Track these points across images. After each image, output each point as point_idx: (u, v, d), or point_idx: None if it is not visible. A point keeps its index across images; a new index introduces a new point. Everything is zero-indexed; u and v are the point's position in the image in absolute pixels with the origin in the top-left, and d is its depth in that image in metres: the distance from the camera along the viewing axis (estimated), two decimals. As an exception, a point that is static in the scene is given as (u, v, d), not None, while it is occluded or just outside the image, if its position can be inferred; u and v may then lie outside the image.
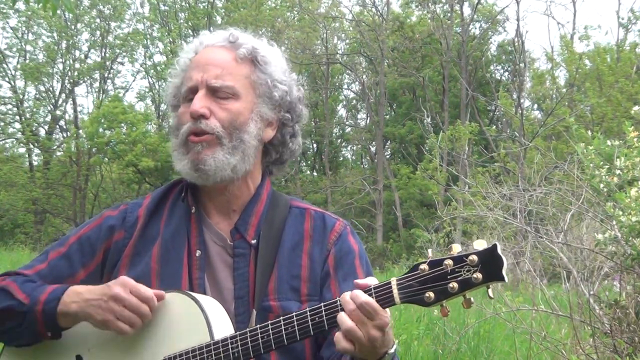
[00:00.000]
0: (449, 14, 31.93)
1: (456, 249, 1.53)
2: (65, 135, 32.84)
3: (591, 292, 4.79)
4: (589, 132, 5.69)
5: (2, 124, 30.98)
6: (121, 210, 1.90)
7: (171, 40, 31.52)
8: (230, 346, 1.63)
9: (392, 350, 1.60)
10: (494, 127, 32.09)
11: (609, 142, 4.95)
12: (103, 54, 31.99)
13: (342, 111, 39.27)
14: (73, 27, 31.12)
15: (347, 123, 38.85)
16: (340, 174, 34.45)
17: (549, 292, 5.59)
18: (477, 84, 32.53)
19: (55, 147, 32.41)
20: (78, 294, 1.72)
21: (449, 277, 1.51)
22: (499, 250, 1.50)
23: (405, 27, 31.46)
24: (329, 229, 1.86)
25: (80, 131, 30.21)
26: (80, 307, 1.71)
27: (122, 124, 28.58)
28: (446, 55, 30.88)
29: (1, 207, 29.28)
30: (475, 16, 32.09)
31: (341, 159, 39.35)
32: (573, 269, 5.23)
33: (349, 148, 39.86)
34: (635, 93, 24.94)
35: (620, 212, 4.30)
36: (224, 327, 1.69)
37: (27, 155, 32.48)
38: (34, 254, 16.40)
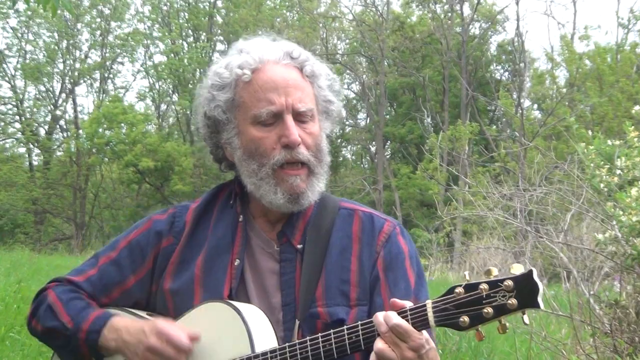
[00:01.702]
0: (449, 14, 31.93)
1: (494, 272, 1.51)
2: (65, 135, 32.84)
3: (591, 292, 4.78)
4: (589, 132, 5.68)
5: (2, 124, 30.99)
6: (169, 214, 1.89)
7: (172, 40, 31.51)
8: None
9: None
10: (494, 127, 32.09)
11: (609, 142, 4.95)
12: (103, 54, 31.98)
13: (342, 111, 39.20)
14: (73, 27, 31.11)
15: (347, 123, 38.85)
16: (340, 174, 34.44)
17: (549, 292, 5.58)
18: (477, 84, 32.52)
19: (55, 147, 32.41)
20: (117, 331, 1.73)
21: (484, 301, 1.49)
22: (535, 277, 1.47)
23: (406, 27, 31.46)
24: (378, 230, 1.82)
25: (80, 131, 30.20)
26: (118, 347, 1.73)
27: (122, 124, 28.57)
28: (446, 55, 30.88)
29: (1, 207, 29.27)
30: (475, 16, 32.09)
31: (341, 159, 39.33)
32: (573, 269, 5.22)
33: (348, 148, 39.87)
34: (635, 93, 24.94)
35: (621, 212, 4.30)
36: (266, 338, 1.67)
37: (27, 155, 32.50)
38: (34, 254, 16.37)
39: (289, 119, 1.72)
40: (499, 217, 6.67)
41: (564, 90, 27.63)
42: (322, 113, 1.82)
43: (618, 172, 4.68)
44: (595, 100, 24.80)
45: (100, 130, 28.48)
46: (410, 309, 1.54)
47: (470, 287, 1.51)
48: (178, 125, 34.92)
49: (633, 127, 4.78)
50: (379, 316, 1.53)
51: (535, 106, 31.96)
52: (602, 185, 4.68)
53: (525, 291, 1.47)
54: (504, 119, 32.24)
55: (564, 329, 5.64)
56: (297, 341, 1.62)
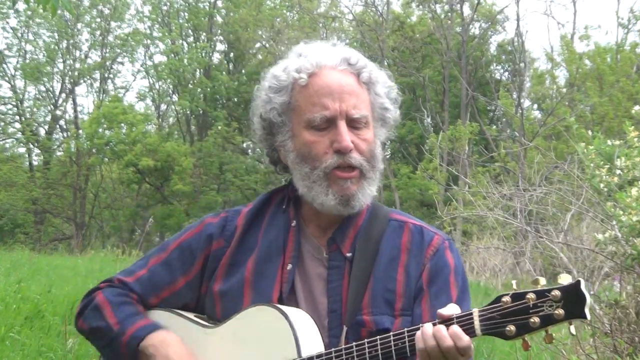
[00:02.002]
0: (449, 14, 31.93)
1: (541, 281, 1.51)
2: (65, 135, 32.82)
3: (591, 292, 4.78)
4: (589, 132, 5.68)
5: (2, 124, 30.96)
6: (221, 218, 1.91)
7: (172, 40, 31.51)
8: None
9: None
10: (494, 127, 32.08)
11: (609, 142, 4.95)
12: (103, 54, 31.98)
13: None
14: (73, 27, 31.10)
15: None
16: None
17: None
18: (477, 84, 32.51)
19: (55, 147, 32.40)
20: (162, 342, 1.77)
21: (531, 311, 1.49)
22: (583, 287, 1.47)
23: (406, 27, 31.46)
24: (427, 243, 1.83)
25: (80, 131, 30.19)
26: (156, 354, 1.75)
27: (122, 124, 28.57)
28: (446, 55, 30.87)
29: (1, 207, 29.26)
30: (475, 16, 32.08)
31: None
32: (573, 269, 5.22)
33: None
34: (635, 93, 24.93)
35: (621, 212, 4.30)
36: (313, 343, 1.68)
37: (27, 155, 32.47)
38: (34, 254, 16.37)
39: (342, 125, 1.74)
40: (499, 217, 6.67)
41: (564, 90, 27.62)
42: (378, 120, 1.83)
43: (618, 172, 4.68)
44: (595, 100, 24.79)
45: (100, 130, 28.46)
46: (457, 317, 1.54)
47: (518, 297, 1.51)
48: (178, 125, 34.91)
49: (633, 127, 4.78)
50: (429, 329, 1.55)
51: (535, 106, 31.98)
52: (602, 185, 4.68)
53: (572, 301, 1.47)
54: (504, 119, 32.25)
55: (564, 329, 5.64)
56: (343, 347, 1.64)
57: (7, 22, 30.50)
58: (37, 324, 6.15)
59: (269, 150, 1.88)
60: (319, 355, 1.64)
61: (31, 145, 31.41)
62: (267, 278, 1.79)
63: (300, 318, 1.70)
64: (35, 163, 32.29)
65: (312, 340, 1.68)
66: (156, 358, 1.74)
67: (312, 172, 1.75)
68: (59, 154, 32.55)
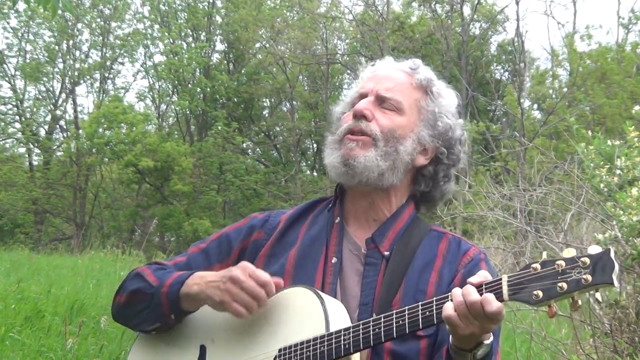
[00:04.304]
0: (449, 14, 31.93)
1: (570, 252, 1.54)
2: (65, 135, 32.82)
3: (591, 292, 4.78)
4: (589, 132, 5.68)
5: (2, 124, 30.93)
6: (267, 214, 2.01)
7: (171, 40, 31.50)
8: (342, 337, 1.66)
9: (487, 341, 1.61)
10: (494, 127, 32.09)
11: (609, 142, 4.95)
12: (103, 54, 31.97)
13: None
14: (73, 27, 31.09)
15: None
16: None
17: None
18: (477, 84, 32.51)
19: (55, 147, 32.39)
20: (201, 277, 1.80)
21: (559, 277, 1.51)
22: (612, 255, 1.49)
23: (406, 27, 31.45)
24: (463, 252, 1.88)
25: (80, 131, 30.18)
26: (200, 289, 1.78)
27: (122, 124, 28.55)
28: (446, 55, 30.87)
29: (1, 207, 29.25)
30: (475, 16, 32.08)
31: (341, 158, 39.33)
32: (573, 269, 5.21)
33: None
34: (637, 93, 24.94)
35: (621, 212, 4.30)
36: (342, 323, 1.72)
37: (27, 155, 32.43)
38: (33, 254, 16.35)
39: (368, 98, 1.87)
40: (499, 217, 6.68)
41: (565, 89, 27.61)
42: (424, 121, 1.88)
43: (618, 172, 4.68)
44: (603, 100, 24.74)
45: (100, 130, 28.45)
46: (486, 284, 1.57)
47: (547, 263, 1.54)
48: (178, 125, 34.90)
49: (633, 127, 4.78)
50: (457, 290, 1.57)
51: (535, 106, 31.97)
52: (602, 185, 4.68)
53: (601, 268, 1.48)
54: (504, 119, 32.24)
55: (564, 329, 5.65)
56: (371, 318, 1.67)
57: (8, 22, 30.51)
58: (37, 324, 6.15)
59: None
60: (346, 329, 1.67)
61: (31, 145, 31.39)
62: (307, 271, 1.84)
63: (332, 301, 1.75)
64: (35, 163, 32.28)
65: (342, 320, 1.72)
66: (203, 291, 1.77)
67: (332, 138, 1.89)
68: (59, 154, 32.53)
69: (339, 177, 1.85)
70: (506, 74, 35.60)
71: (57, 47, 31.02)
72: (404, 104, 1.85)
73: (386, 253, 1.84)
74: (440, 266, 1.85)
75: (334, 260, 1.85)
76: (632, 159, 4.65)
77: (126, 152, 27.76)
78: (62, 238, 31.00)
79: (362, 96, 1.88)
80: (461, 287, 1.77)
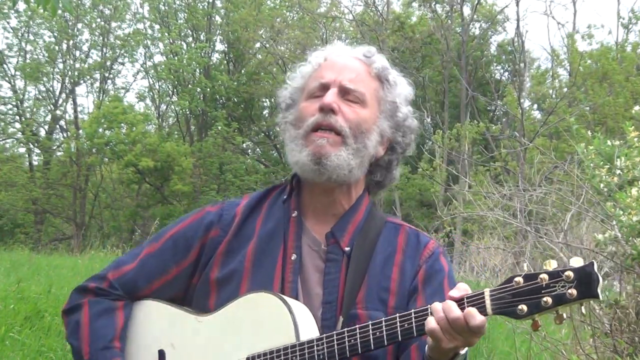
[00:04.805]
0: (449, 14, 31.93)
1: (552, 264, 1.52)
2: (65, 135, 32.82)
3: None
4: (589, 132, 5.68)
5: (2, 124, 30.94)
6: (219, 207, 1.92)
7: (171, 40, 31.50)
8: (315, 348, 1.64)
9: (463, 352, 1.60)
10: (494, 127, 32.09)
11: (609, 142, 4.95)
12: (103, 54, 31.97)
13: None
14: (73, 27, 31.09)
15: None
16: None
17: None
18: (477, 84, 32.51)
19: (55, 147, 32.38)
20: None
21: (543, 291, 1.50)
22: (596, 268, 1.49)
23: (406, 27, 31.45)
24: (423, 245, 1.87)
25: (80, 131, 30.18)
26: None
27: (122, 124, 28.56)
28: (446, 55, 30.87)
29: (1, 207, 29.25)
30: (475, 16, 32.08)
31: (341, 159, 39.32)
32: (573, 269, 5.21)
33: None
34: (638, 92, 24.96)
35: (621, 212, 4.30)
36: (310, 330, 1.69)
37: (27, 155, 32.44)
38: (34, 254, 16.34)
39: (332, 90, 1.80)
40: (499, 217, 6.68)
41: (565, 90, 27.62)
42: (384, 113, 1.86)
43: (618, 172, 4.67)
44: (603, 100, 24.73)
45: (100, 130, 28.45)
46: (468, 297, 1.55)
47: (530, 277, 1.53)
48: (178, 125, 34.90)
49: (633, 127, 4.78)
50: (438, 305, 1.56)
51: (535, 106, 31.98)
52: (602, 185, 4.68)
53: (585, 282, 1.48)
54: (504, 119, 32.24)
55: (564, 329, 5.64)
56: (345, 329, 1.64)
57: (8, 22, 30.51)
58: (37, 324, 6.15)
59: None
60: (319, 339, 1.64)
61: (31, 145, 31.39)
62: (266, 267, 1.80)
63: (298, 306, 1.71)
64: (35, 163, 32.29)
65: (310, 328, 1.69)
66: None
67: (296, 132, 1.81)
68: (59, 154, 32.53)
69: (307, 174, 1.80)
70: (506, 74, 35.63)
71: (57, 47, 31.03)
72: (367, 95, 1.82)
73: (347, 249, 1.81)
74: (401, 261, 1.83)
75: (293, 257, 1.80)
76: (632, 159, 4.65)
77: (126, 152, 27.77)
78: (62, 238, 31.00)
79: (324, 87, 1.81)
80: (424, 282, 1.80)
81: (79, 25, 31.42)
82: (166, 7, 32.20)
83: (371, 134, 1.82)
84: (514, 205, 6.62)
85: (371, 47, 1.92)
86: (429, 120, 30.53)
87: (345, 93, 1.80)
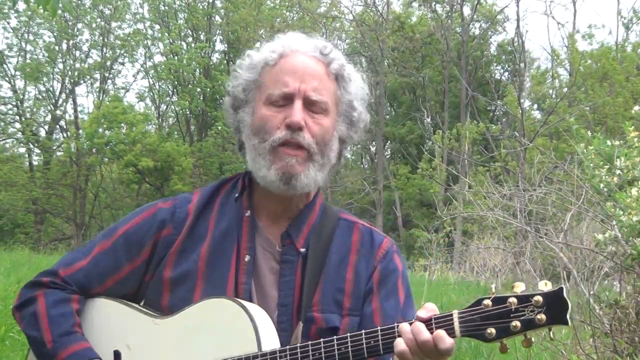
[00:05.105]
0: (450, 14, 31.93)
1: (520, 287, 1.52)
2: (65, 135, 32.82)
3: (591, 292, 4.78)
4: (589, 133, 5.68)
5: (2, 124, 30.94)
6: (172, 204, 1.88)
7: (171, 40, 31.50)
8: (278, 359, 1.62)
9: None
10: (494, 127, 32.11)
11: (608, 142, 4.95)
12: (103, 54, 31.97)
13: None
14: (73, 27, 31.09)
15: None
16: (340, 174, 34.43)
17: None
18: (477, 84, 32.52)
19: (55, 147, 32.39)
20: None
21: (512, 315, 1.51)
22: (565, 294, 1.49)
23: (406, 27, 31.46)
24: (377, 245, 1.85)
25: (80, 131, 30.19)
26: None
27: (122, 124, 28.57)
28: (446, 55, 30.88)
29: (1, 207, 29.26)
30: (475, 16, 32.09)
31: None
32: (573, 269, 5.22)
33: (349, 148, 39.75)
34: (639, 92, 24.97)
35: (621, 212, 4.30)
36: (271, 338, 1.67)
37: (27, 155, 32.45)
38: (34, 254, 16.36)
39: (298, 103, 1.74)
40: (499, 217, 6.68)
41: (565, 90, 27.62)
42: (342, 115, 1.83)
43: (618, 172, 4.68)
44: (603, 99, 24.75)
45: (100, 130, 28.46)
46: (436, 319, 1.55)
47: (499, 300, 1.52)
48: (178, 125, 34.90)
49: (633, 127, 4.79)
50: (406, 326, 1.55)
51: (535, 106, 31.99)
52: (602, 185, 4.68)
53: (554, 308, 1.48)
54: (504, 119, 32.25)
55: (564, 329, 5.65)
56: (309, 342, 1.63)
57: (8, 22, 30.51)
58: (37, 324, 6.14)
59: (235, 130, 1.88)
60: (282, 350, 1.62)
61: (31, 145, 31.40)
62: (220, 268, 1.77)
63: (258, 313, 1.68)
64: (35, 163, 32.29)
65: (270, 335, 1.67)
66: None
67: (260, 144, 1.75)
68: (59, 154, 32.54)
69: (273, 190, 1.76)
70: (506, 74, 35.64)
71: (57, 47, 31.03)
72: (329, 103, 1.78)
73: (302, 250, 1.78)
74: (355, 261, 1.81)
75: (247, 258, 1.77)
76: (631, 159, 4.65)
77: (126, 152, 27.77)
78: (62, 238, 31.00)
79: (288, 97, 1.74)
80: (378, 283, 1.79)
81: (79, 25, 31.43)
82: (166, 7, 32.21)
83: (333, 143, 1.80)
84: (514, 205, 6.62)
85: (327, 43, 1.84)
86: (429, 120, 30.58)
87: (309, 104, 1.75)
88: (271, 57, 1.79)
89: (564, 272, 5.85)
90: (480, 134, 24.26)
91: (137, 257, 1.82)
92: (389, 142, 35.41)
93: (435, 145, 20.82)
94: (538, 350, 5.37)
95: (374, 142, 34.19)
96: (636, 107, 5.41)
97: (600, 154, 4.87)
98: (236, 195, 1.86)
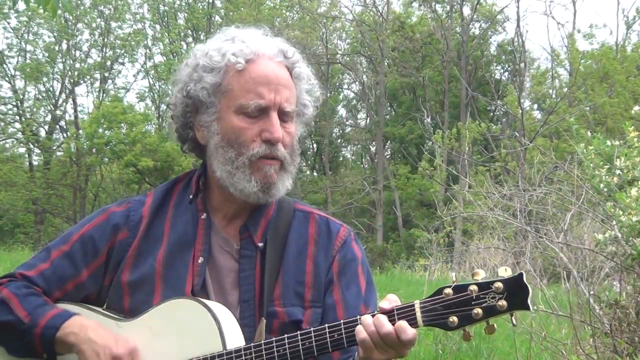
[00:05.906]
0: (450, 14, 31.94)
1: (480, 274, 1.53)
2: (65, 135, 32.83)
3: (591, 292, 4.78)
4: (589, 133, 5.68)
5: (2, 124, 30.98)
6: (125, 208, 1.88)
7: (170, 40, 31.51)
8: (243, 357, 1.63)
9: None
10: (495, 127, 32.12)
11: (608, 142, 4.95)
12: (103, 54, 31.98)
13: (342, 111, 39.28)
14: (73, 27, 31.10)
15: (347, 123, 38.88)
16: (340, 174, 34.44)
17: (549, 292, 5.58)
18: (477, 84, 32.53)
19: (55, 147, 32.40)
20: (81, 327, 1.71)
21: (473, 302, 1.52)
22: (525, 279, 1.50)
23: (406, 27, 31.46)
24: (334, 234, 1.85)
25: (80, 131, 30.20)
26: (77, 340, 1.70)
27: (122, 124, 28.57)
28: (446, 55, 30.88)
29: (1, 207, 29.27)
30: (475, 16, 32.09)
31: (341, 159, 39.35)
32: (573, 269, 5.22)
33: (348, 148, 39.87)
34: (637, 92, 24.98)
35: (621, 212, 4.30)
36: (235, 336, 1.67)
37: (27, 155, 32.47)
38: (34, 254, 16.34)
39: (275, 116, 1.74)
40: (499, 217, 6.68)
41: (565, 90, 27.63)
42: (298, 115, 1.84)
43: (618, 172, 4.68)
44: (603, 99, 24.75)
45: (100, 130, 28.47)
46: (398, 310, 1.56)
47: (459, 289, 1.53)
48: (178, 125, 34.85)
49: (633, 127, 4.79)
50: (368, 318, 1.56)
51: (536, 106, 31.99)
52: (602, 185, 4.68)
53: (515, 293, 1.50)
54: (504, 119, 32.26)
55: (564, 329, 5.65)
56: (274, 338, 1.63)
57: (8, 22, 30.53)
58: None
59: (181, 126, 1.88)
60: (247, 348, 1.63)
61: (31, 145, 31.42)
62: (178, 271, 1.78)
63: (222, 312, 1.69)
64: (35, 163, 32.32)
65: (235, 334, 1.68)
66: (79, 344, 1.69)
67: (237, 158, 1.75)
68: (59, 154, 32.56)
69: (250, 200, 1.77)
70: (506, 74, 35.64)
71: (57, 47, 31.03)
72: (295, 109, 1.81)
73: (260, 244, 1.79)
74: (314, 253, 1.82)
75: (200, 260, 1.78)
76: (631, 159, 4.65)
77: (126, 152, 27.78)
78: (62, 238, 30.98)
79: (262, 109, 1.73)
80: (338, 273, 1.80)
81: (79, 25, 31.45)
82: (166, 8, 32.22)
83: (296, 144, 1.83)
84: (514, 206, 6.62)
85: (284, 43, 1.83)
86: (429, 120, 30.57)
87: (282, 114, 1.76)
88: (237, 62, 1.75)
89: (564, 272, 5.85)
90: (481, 134, 24.26)
91: (93, 262, 1.82)
92: (389, 142, 35.41)
93: (436, 145, 20.82)
94: (538, 350, 5.37)
95: (374, 142, 34.21)
96: (636, 107, 5.41)
97: (600, 154, 4.87)
98: (190, 196, 1.87)
